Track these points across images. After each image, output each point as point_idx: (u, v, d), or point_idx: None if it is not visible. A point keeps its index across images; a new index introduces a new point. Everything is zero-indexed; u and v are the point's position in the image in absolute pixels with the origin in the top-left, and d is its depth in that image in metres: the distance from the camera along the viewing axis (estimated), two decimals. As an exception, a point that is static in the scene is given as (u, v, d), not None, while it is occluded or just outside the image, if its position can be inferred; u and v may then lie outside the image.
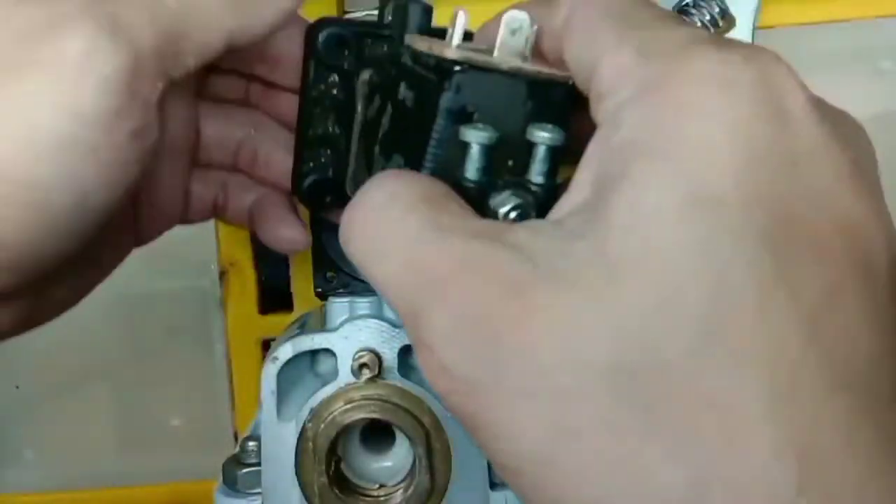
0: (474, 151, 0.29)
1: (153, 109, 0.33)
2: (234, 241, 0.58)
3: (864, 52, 0.55)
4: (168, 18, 0.32)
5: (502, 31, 0.29)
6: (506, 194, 0.28)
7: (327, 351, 0.39)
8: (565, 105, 0.30)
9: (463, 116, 0.29)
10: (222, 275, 0.58)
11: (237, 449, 0.41)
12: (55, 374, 0.59)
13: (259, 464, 0.39)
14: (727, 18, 0.53)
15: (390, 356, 0.39)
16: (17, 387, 0.60)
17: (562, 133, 0.29)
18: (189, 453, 0.59)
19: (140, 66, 0.31)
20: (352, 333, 0.39)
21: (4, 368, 0.59)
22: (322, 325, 0.41)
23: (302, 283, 0.56)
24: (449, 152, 0.29)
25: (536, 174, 0.29)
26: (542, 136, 0.29)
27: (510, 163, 0.29)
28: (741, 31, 0.53)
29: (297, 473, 0.39)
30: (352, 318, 0.40)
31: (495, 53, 0.29)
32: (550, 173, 0.29)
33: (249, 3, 0.34)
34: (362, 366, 0.38)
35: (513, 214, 0.28)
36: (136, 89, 0.31)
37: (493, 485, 0.40)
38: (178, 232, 0.58)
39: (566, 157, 0.29)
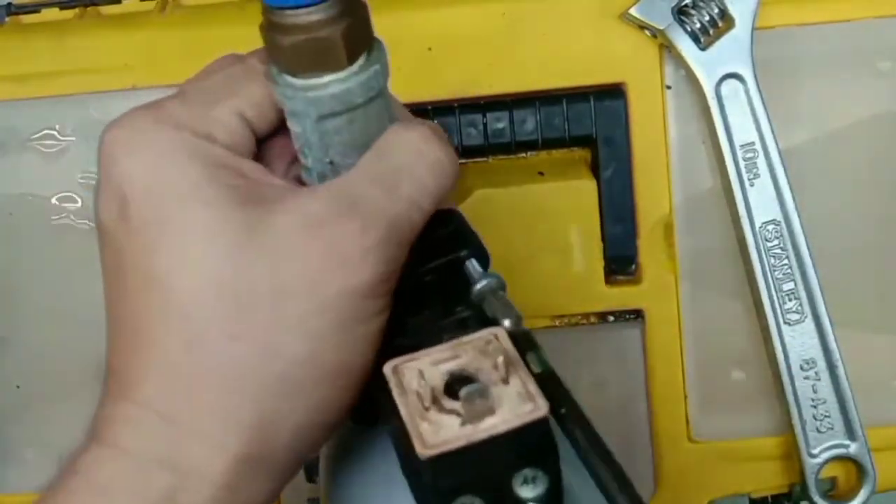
0: None
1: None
2: (234, 241, 0.57)
3: (864, 52, 0.55)
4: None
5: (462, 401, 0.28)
6: None
7: (327, 351, 0.39)
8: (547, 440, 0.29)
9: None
10: (222, 275, 0.58)
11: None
12: (55, 374, 0.59)
13: (259, 464, 0.39)
14: (727, 18, 0.53)
15: (390, 356, 0.39)
16: (18, 387, 0.59)
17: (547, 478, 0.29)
18: (189, 453, 0.59)
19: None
20: (352, 333, 0.39)
21: (4, 368, 0.59)
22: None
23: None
24: None
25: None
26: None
27: None
28: (741, 31, 0.53)
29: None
30: (352, 318, 0.40)
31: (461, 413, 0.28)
32: None
33: None
34: (363, 366, 0.38)
35: None
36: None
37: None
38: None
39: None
